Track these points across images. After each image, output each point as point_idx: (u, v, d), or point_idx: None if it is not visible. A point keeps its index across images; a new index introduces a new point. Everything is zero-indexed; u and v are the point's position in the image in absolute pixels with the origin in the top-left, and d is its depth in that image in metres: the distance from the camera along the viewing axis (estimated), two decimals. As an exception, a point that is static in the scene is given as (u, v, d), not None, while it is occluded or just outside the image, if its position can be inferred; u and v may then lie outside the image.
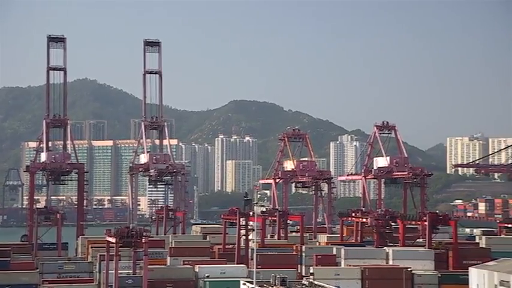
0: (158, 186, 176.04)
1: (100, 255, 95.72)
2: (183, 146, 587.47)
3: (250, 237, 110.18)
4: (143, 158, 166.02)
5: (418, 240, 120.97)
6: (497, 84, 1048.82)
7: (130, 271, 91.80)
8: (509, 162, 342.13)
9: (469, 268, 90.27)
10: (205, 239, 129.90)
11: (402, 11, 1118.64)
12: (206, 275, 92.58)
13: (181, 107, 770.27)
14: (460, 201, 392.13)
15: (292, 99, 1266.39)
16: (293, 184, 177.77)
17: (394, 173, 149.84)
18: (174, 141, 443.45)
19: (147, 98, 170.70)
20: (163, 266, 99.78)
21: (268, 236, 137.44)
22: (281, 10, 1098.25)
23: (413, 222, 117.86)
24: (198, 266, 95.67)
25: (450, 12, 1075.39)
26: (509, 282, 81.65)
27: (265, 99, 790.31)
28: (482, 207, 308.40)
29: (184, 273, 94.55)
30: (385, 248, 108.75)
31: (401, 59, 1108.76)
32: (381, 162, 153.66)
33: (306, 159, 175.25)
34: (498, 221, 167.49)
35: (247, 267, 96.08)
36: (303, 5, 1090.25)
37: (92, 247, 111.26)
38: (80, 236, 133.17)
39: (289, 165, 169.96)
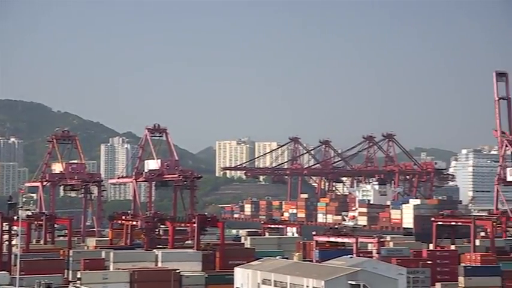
0: None
1: None
2: None
3: (13, 242, 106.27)
4: None
5: (187, 242, 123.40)
6: (264, 89, 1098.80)
7: None
8: (274, 165, 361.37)
9: (235, 268, 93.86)
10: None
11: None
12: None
13: None
14: (213, 204, 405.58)
15: (60, 100, 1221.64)
16: (61, 187, 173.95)
17: (164, 176, 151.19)
18: None
19: None
20: None
21: (34, 240, 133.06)
22: (45, 6, 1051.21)
23: (183, 224, 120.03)
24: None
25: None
26: (270, 280, 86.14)
27: (32, 99, 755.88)
28: (248, 208, 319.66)
29: None
30: (154, 250, 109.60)
31: (172, 60, 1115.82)
32: (152, 165, 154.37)
33: (76, 161, 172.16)
34: (262, 222, 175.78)
35: (10, 274, 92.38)
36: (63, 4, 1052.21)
37: None
38: None
39: (57, 167, 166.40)
